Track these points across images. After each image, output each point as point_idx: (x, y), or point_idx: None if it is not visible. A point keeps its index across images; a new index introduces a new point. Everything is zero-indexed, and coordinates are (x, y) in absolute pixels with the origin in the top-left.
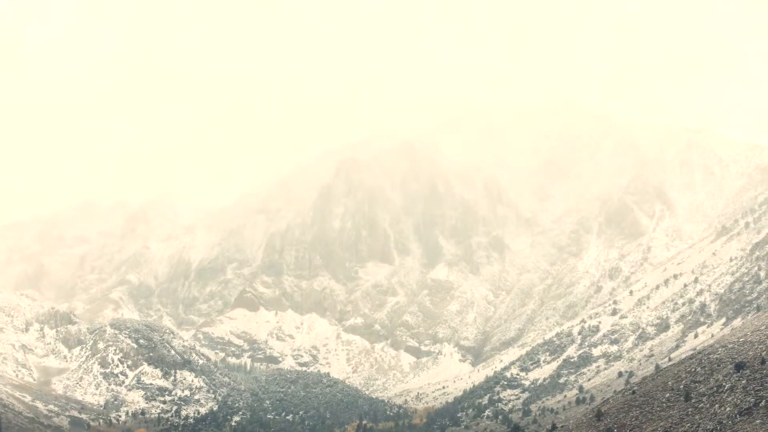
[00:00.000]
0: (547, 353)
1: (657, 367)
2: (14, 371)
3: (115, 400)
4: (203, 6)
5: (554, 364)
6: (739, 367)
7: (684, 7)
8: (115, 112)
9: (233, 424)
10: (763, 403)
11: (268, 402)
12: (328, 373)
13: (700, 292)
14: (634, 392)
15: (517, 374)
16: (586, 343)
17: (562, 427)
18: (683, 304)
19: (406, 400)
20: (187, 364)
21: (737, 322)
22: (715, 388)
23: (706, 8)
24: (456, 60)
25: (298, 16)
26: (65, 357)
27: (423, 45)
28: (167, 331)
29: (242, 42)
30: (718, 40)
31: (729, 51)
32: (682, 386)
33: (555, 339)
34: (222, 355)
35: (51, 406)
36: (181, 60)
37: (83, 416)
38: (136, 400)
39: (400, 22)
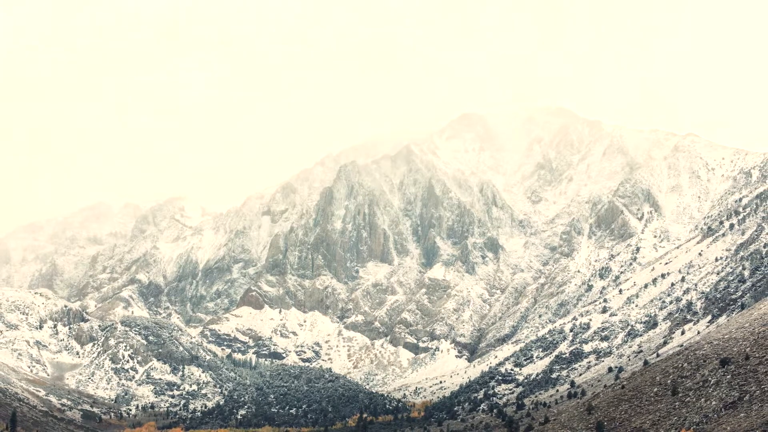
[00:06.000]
0: (540, 349)
1: (645, 362)
2: (29, 367)
3: (126, 395)
4: (203, 11)
5: (547, 360)
6: (724, 362)
7: (675, 13)
8: (122, 115)
9: (239, 417)
10: (747, 397)
11: (272, 396)
12: (330, 369)
13: (686, 291)
14: (623, 387)
15: (512, 370)
16: (578, 340)
17: (554, 420)
18: (670, 303)
19: (404, 394)
20: (194, 360)
21: (722, 320)
22: (701, 383)
23: (696, 15)
24: (453, 67)
25: (299, 21)
26: (78, 353)
27: (421, 54)
28: (176, 328)
29: (246, 46)
30: (706, 46)
31: (716, 58)
32: (669, 381)
33: (548, 336)
34: (228, 351)
35: (64, 400)
36: (185, 64)
37: (95, 410)
38: (145, 394)
39: (399, 27)
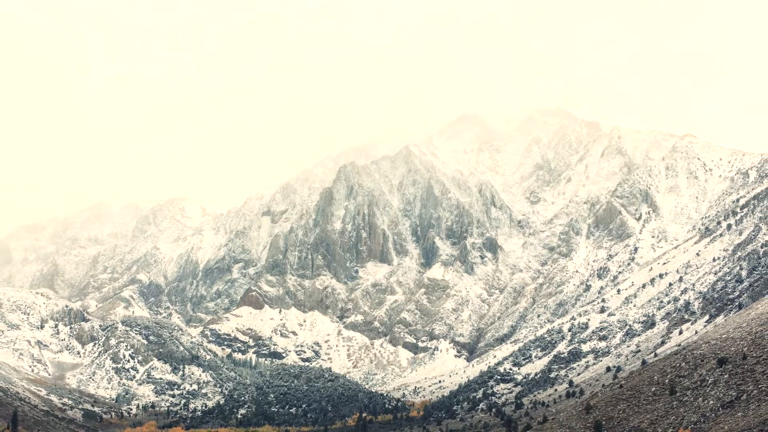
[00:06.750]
0: (539, 349)
1: (643, 362)
2: (30, 366)
3: (127, 394)
4: (205, 15)
5: (545, 360)
6: (722, 362)
7: (671, 16)
8: (124, 117)
9: (239, 416)
10: (744, 396)
11: (272, 396)
12: (330, 368)
13: (684, 291)
14: (621, 386)
15: (510, 369)
16: (576, 340)
17: (553, 419)
18: (668, 302)
19: (404, 393)
20: (195, 360)
21: (720, 320)
22: (698, 383)
23: (691, 18)
24: (452, 68)
25: (299, 22)
26: (79, 353)
27: (420, 55)
28: (176, 328)
29: (246, 50)
30: (703, 49)
31: (715, 58)
32: (667, 380)
33: (546, 335)
34: (228, 350)
35: (65, 400)
36: (187, 67)
37: (96, 409)
38: (146, 393)
39: (398, 31)
